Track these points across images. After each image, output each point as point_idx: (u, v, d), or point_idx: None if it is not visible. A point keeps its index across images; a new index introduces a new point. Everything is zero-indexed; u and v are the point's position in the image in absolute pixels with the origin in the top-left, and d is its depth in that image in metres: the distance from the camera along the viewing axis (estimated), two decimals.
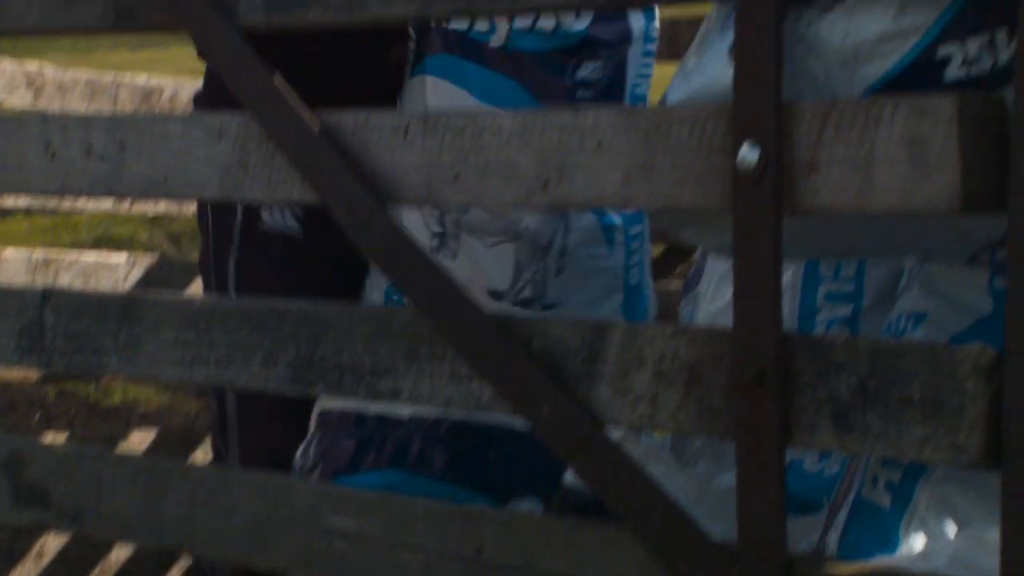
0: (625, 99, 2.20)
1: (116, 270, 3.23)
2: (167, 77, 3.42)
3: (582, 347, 1.51)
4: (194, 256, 5.71)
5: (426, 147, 1.59)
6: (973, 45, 1.32)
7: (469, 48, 2.17)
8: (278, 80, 1.66)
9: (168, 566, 3.54)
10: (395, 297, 2.19)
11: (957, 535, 1.47)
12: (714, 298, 1.82)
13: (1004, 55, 1.31)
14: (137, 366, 1.81)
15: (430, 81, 2.18)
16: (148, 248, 5.68)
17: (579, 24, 2.16)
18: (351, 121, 1.63)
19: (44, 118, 1.89)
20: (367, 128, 1.62)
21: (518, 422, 1.55)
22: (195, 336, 1.76)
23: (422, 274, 1.60)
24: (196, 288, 3.41)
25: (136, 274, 3.27)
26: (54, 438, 3.46)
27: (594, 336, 1.50)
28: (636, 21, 2.21)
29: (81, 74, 3.15)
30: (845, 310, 1.72)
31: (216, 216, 2.29)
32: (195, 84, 3.38)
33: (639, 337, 1.48)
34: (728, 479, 1.77)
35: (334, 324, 1.67)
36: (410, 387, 1.62)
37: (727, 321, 1.40)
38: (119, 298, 1.86)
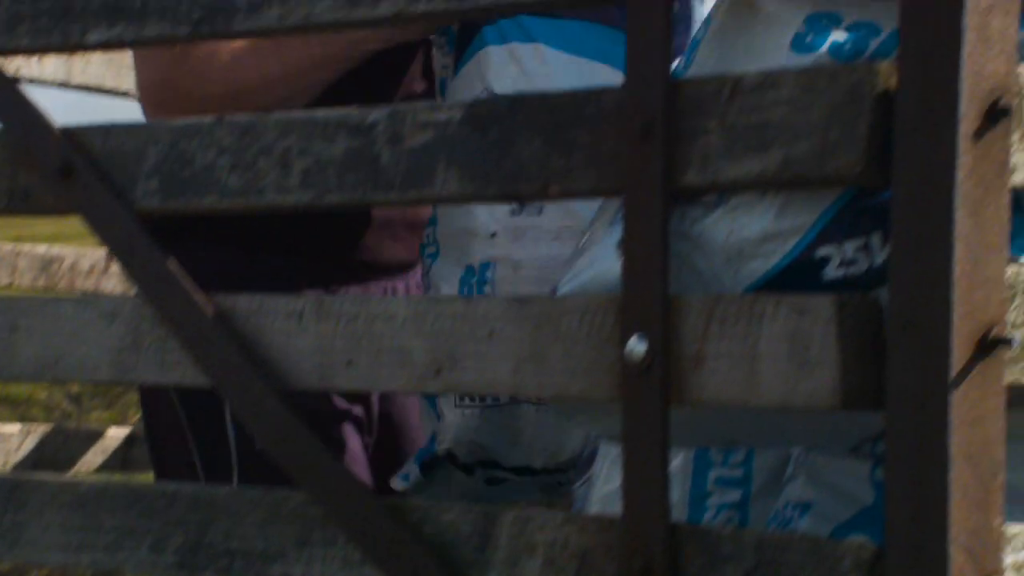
0: (692, 24, 2.15)
1: (9, 440, 3.17)
2: (68, 245, 3.41)
3: (473, 533, 1.51)
4: (93, 416, 5.65)
5: (320, 332, 1.59)
6: (850, 247, 1.37)
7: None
8: (172, 264, 1.66)
9: None
10: (472, 280, 2.10)
11: None
12: (607, 480, 1.82)
13: (879, 258, 1.36)
14: (21, 552, 1.77)
15: (491, 52, 2.12)
16: (47, 407, 5.59)
17: None
18: (245, 305, 1.64)
19: None
20: (261, 312, 1.63)
21: None
22: (82, 520, 1.73)
23: (313, 459, 1.59)
24: (92, 457, 3.36)
25: (30, 443, 3.22)
26: None
27: (486, 522, 1.50)
28: None
29: None
30: (734, 495, 1.73)
31: (201, 441, 2.20)
32: (96, 252, 3.38)
33: (530, 523, 1.48)
34: None
35: (224, 508, 1.65)
36: (301, 572, 1.60)
37: (619, 505, 1.41)
38: (3, 481, 1.83)
